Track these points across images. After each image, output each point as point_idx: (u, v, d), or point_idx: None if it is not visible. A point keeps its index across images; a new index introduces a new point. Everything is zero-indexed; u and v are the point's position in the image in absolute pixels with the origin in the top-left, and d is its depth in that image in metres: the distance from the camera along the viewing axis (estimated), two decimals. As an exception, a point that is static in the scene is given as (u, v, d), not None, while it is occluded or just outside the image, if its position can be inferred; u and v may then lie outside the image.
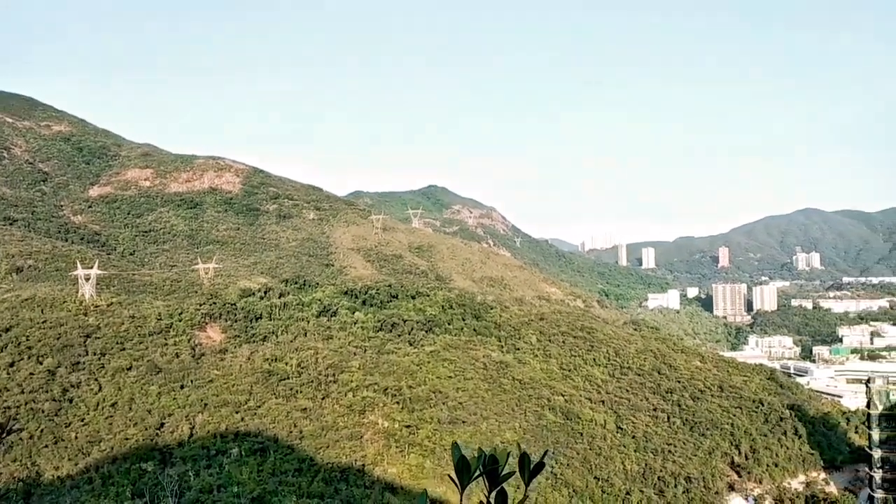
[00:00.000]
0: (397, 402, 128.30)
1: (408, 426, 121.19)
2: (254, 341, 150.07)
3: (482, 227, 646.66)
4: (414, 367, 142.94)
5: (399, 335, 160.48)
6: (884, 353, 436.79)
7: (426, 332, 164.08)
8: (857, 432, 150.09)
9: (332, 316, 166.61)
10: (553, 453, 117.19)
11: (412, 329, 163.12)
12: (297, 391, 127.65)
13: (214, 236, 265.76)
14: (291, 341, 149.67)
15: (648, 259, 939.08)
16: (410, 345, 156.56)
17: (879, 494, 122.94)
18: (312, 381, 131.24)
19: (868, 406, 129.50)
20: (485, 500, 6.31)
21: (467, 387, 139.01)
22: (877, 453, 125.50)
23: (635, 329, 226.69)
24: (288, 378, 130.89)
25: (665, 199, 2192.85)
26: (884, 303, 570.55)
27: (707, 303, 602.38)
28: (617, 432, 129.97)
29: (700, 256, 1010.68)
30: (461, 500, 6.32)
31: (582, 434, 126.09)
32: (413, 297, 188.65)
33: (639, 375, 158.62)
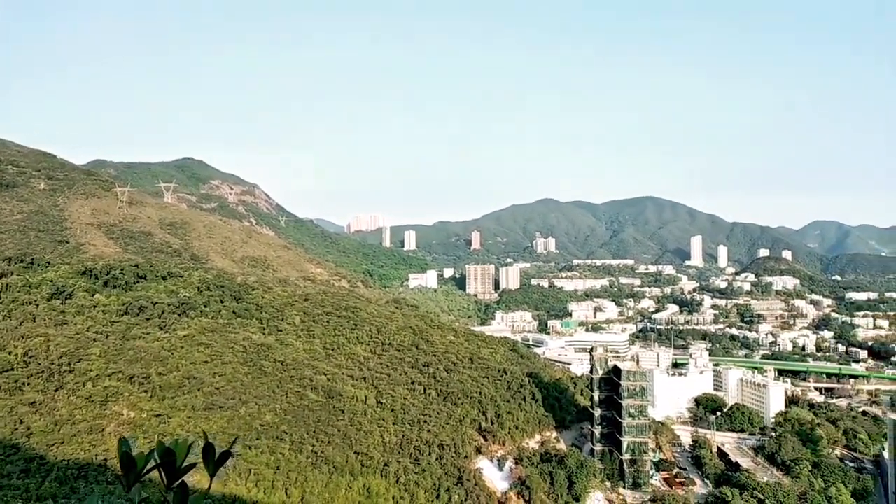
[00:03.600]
0: (145, 391, 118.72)
1: (158, 415, 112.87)
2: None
3: (244, 205, 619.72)
4: (165, 353, 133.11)
5: (148, 319, 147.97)
6: (604, 325, 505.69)
7: (179, 315, 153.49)
8: (582, 395, 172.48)
9: (66, 299, 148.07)
10: (314, 431, 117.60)
11: (163, 312, 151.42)
12: (23, 384, 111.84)
13: None
14: (16, 328, 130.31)
15: (410, 241, 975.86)
16: (161, 329, 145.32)
17: (598, 447, 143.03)
18: (43, 372, 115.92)
19: (591, 371, 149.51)
20: (169, 497, 5.84)
21: (225, 371, 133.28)
22: (597, 412, 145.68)
23: (397, 307, 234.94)
24: (12, 369, 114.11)
25: (426, 185, 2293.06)
26: (605, 282, 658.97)
27: (461, 282, 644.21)
28: (377, 407, 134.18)
29: (456, 240, 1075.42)
30: (127, 492, 5.77)
31: (343, 411, 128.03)
32: (164, 278, 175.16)
33: (399, 351, 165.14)
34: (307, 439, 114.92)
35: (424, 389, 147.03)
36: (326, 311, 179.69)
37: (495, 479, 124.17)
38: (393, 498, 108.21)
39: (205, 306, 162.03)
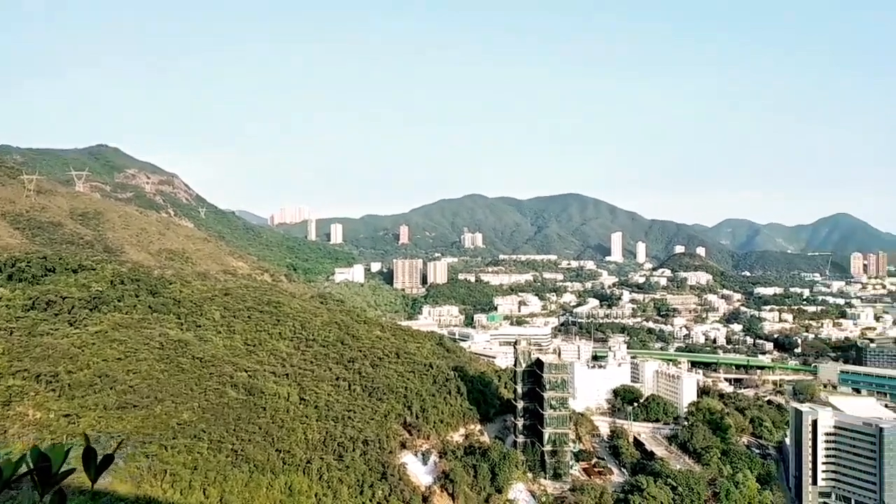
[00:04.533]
0: (53, 390, 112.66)
1: (67, 415, 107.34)
2: None
3: (162, 195, 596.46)
4: (75, 350, 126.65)
5: (56, 314, 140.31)
6: (528, 319, 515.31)
7: (91, 310, 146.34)
8: (506, 387, 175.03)
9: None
10: (235, 429, 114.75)
11: (73, 307, 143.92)
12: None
13: None
14: None
15: (337, 235, 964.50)
16: (71, 325, 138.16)
17: (521, 439, 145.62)
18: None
19: (515, 364, 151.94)
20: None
21: (140, 368, 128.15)
22: (520, 404, 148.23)
23: (322, 302, 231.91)
24: None
25: (354, 178, 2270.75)
26: (529, 277, 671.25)
27: (388, 276, 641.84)
28: (300, 403, 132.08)
29: (384, 234, 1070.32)
30: None
31: (265, 408, 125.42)
32: (75, 271, 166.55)
33: (323, 347, 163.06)
34: (227, 438, 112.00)
35: (349, 385, 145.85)
36: (248, 306, 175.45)
37: (419, 473, 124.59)
38: (316, 495, 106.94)
39: (118, 301, 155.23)
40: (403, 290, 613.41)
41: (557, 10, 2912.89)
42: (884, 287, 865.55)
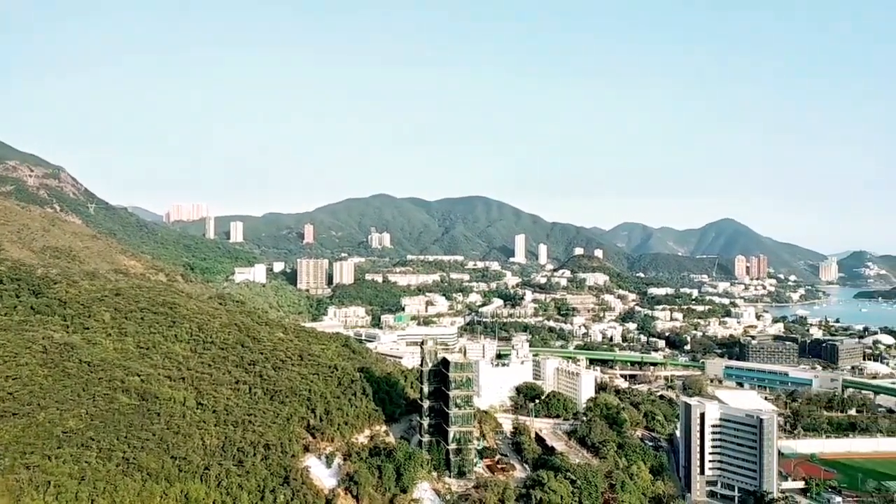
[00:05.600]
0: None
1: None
2: None
3: (46, 189, 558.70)
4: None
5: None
6: (435, 319, 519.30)
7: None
8: (412, 388, 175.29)
9: None
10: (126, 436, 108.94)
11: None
12: None
13: None
14: None
15: (237, 233, 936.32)
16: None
17: (426, 438, 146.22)
18: None
19: (422, 364, 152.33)
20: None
21: (21, 374, 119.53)
22: (426, 404, 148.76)
23: (221, 303, 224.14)
24: None
25: (255, 174, 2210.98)
26: (437, 277, 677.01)
27: (292, 277, 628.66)
28: (197, 408, 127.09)
29: (287, 232, 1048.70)
30: None
31: (159, 414, 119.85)
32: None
33: (222, 350, 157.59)
34: (117, 445, 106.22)
35: (250, 388, 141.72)
36: (141, 308, 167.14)
37: (323, 476, 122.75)
38: (214, 502, 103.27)
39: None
40: (308, 290, 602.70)
41: (465, 15, 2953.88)
42: (764, 288, 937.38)
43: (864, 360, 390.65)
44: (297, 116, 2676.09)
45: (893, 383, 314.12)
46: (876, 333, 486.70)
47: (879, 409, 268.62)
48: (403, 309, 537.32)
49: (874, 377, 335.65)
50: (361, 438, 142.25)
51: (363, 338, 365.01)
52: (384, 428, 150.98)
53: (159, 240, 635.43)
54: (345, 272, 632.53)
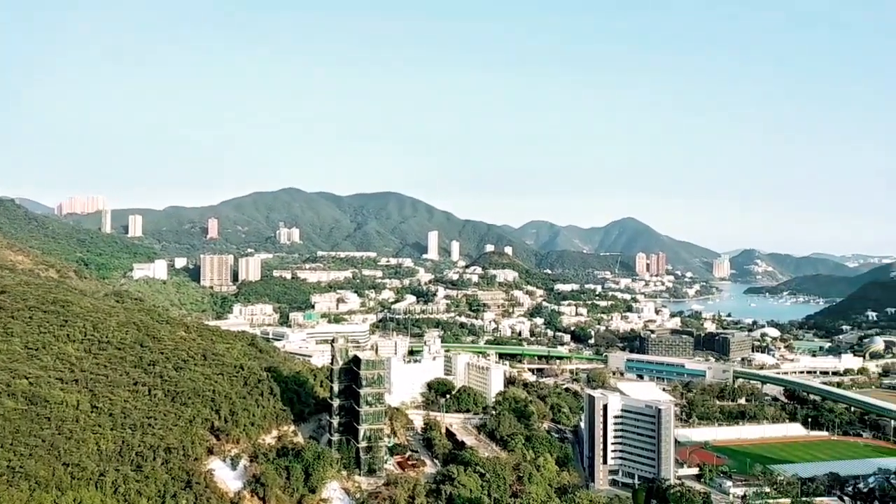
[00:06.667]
0: None
1: None
2: None
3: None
4: None
5: None
6: (346, 317, 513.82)
7: None
8: (321, 386, 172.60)
9: None
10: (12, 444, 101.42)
11: None
12: None
13: None
14: None
15: (136, 227, 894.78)
16: None
17: (336, 437, 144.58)
18: None
19: (332, 363, 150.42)
20: None
21: None
22: (336, 402, 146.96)
23: (118, 301, 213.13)
24: None
25: (155, 165, 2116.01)
26: (348, 274, 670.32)
27: (195, 273, 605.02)
28: (92, 411, 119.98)
29: (190, 227, 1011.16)
30: None
31: (50, 418, 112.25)
32: None
33: (119, 349, 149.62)
34: (2, 454, 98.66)
35: (150, 390, 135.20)
36: (29, 306, 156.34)
37: (228, 479, 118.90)
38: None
39: None
40: (212, 287, 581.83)
41: (383, 14, 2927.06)
42: (663, 284, 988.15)
43: (752, 351, 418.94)
44: (199, 106, 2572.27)
45: (778, 373, 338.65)
46: (763, 327, 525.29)
47: (766, 398, 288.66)
48: (313, 306, 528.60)
49: (761, 368, 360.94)
50: (269, 439, 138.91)
51: (271, 336, 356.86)
52: (293, 428, 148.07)
53: (50, 233, 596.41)
54: (251, 268, 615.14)
